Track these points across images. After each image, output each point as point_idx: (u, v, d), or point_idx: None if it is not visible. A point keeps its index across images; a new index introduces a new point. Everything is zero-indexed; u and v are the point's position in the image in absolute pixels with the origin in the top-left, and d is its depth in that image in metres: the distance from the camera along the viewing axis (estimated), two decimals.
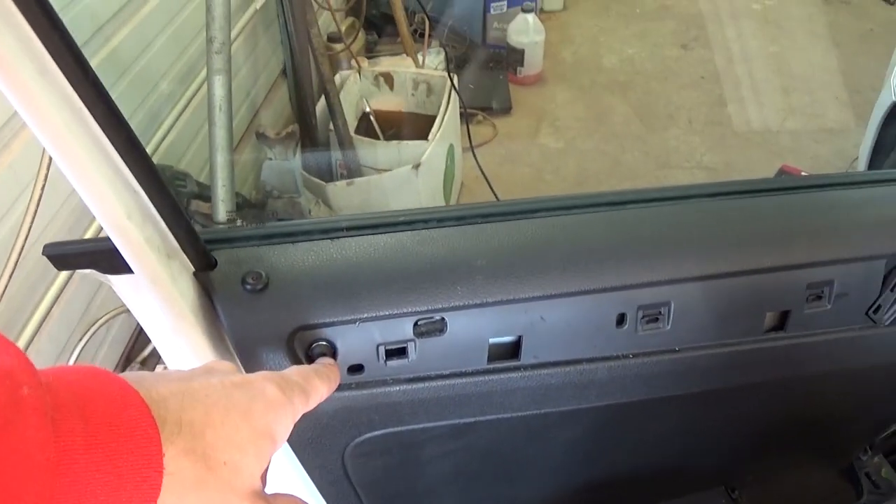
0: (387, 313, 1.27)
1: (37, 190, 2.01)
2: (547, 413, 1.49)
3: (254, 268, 1.25)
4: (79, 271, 1.30)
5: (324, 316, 1.25)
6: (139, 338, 3.10)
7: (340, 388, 1.32)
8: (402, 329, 1.30)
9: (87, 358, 2.72)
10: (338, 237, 1.33)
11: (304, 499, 1.06)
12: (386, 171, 4.08)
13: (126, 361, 2.99)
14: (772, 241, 1.43)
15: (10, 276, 1.98)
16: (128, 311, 2.54)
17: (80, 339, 2.63)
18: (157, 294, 1.19)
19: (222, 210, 3.03)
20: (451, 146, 4.45)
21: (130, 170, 1.05)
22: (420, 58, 4.97)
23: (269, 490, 0.93)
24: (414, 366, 1.33)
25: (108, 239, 1.12)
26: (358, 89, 4.78)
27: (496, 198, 4.44)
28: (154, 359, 2.99)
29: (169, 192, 1.13)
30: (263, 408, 0.90)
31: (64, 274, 2.42)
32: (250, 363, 1.26)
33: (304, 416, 1.25)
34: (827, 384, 1.73)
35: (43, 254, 1.27)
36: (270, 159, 3.89)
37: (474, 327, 1.33)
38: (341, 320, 1.26)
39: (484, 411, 1.45)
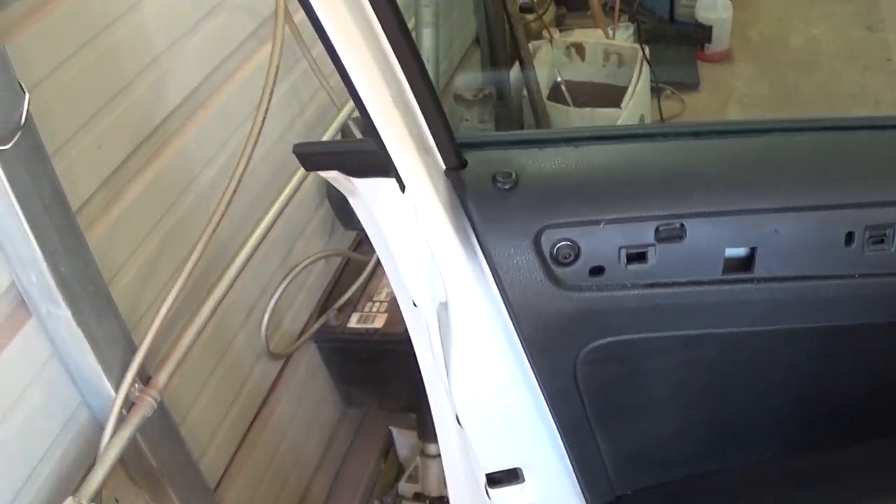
0: (630, 216, 1.30)
1: (245, 156, 2.10)
2: (774, 330, 1.50)
3: (503, 168, 1.29)
4: (323, 174, 1.35)
5: (570, 215, 1.29)
6: (336, 285, 3.17)
7: (581, 289, 1.36)
8: (644, 233, 1.32)
9: (286, 301, 2.80)
10: (581, 145, 1.36)
11: (531, 407, 1.08)
12: None
13: (323, 307, 3.06)
14: None
15: (222, 216, 2.06)
16: (325, 258, 2.61)
17: (281, 282, 2.72)
18: (411, 187, 1.24)
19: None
20: (642, 116, 4.44)
21: (397, 57, 1.11)
22: (610, 31, 4.96)
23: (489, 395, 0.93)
24: (653, 270, 1.36)
25: (356, 141, 1.18)
26: (550, 59, 4.80)
27: None
28: (350, 307, 3.05)
29: (432, 87, 1.18)
30: None
31: (269, 217, 2.49)
32: (499, 258, 1.30)
33: (541, 317, 1.29)
34: None
35: (293, 152, 1.34)
36: (467, 120, 3.93)
37: (712, 236, 1.35)
38: (587, 220, 1.29)
39: (715, 323, 1.46)
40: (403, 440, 3.33)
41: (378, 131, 1.17)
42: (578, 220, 1.30)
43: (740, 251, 1.39)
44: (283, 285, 2.74)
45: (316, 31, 1.08)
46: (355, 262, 3.20)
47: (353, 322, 3.02)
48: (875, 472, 1.77)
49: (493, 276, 1.33)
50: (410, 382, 2.78)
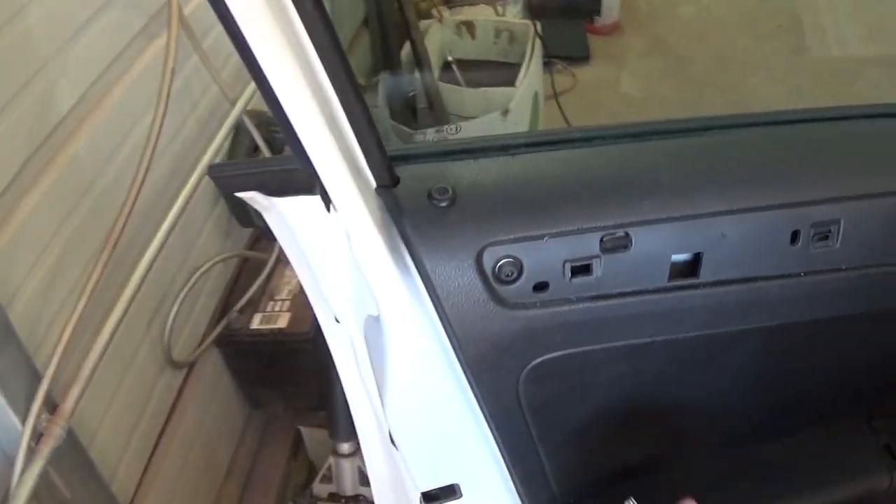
0: (573, 228, 1.26)
1: (145, 159, 2.03)
2: (720, 334, 1.48)
3: (438, 183, 1.23)
4: (240, 195, 1.28)
5: (512, 231, 1.24)
6: (236, 286, 3.09)
7: (525, 306, 1.31)
8: (589, 245, 1.29)
9: (186, 307, 2.71)
10: (518, 153, 1.32)
11: (470, 425, 1.04)
12: (472, 118, 4.04)
13: (224, 309, 2.98)
14: None
15: (124, 226, 1.99)
16: (224, 260, 2.54)
17: (182, 289, 2.63)
18: (340, 207, 1.17)
19: None
20: (536, 93, 4.41)
21: (324, 65, 1.04)
22: (500, 8, 4.93)
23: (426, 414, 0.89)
24: (598, 282, 1.32)
25: (276, 159, 1.11)
26: (440, 38, 4.74)
27: None
28: (252, 307, 2.97)
29: (362, 98, 1.11)
30: None
31: (168, 221, 2.39)
32: (439, 280, 1.24)
33: (484, 338, 1.24)
34: None
35: (208, 174, 1.26)
36: None
37: (657, 243, 1.32)
38: (529, 235, 1.25)
39: (661, 330, 1.43)
40: (313, 439, 3.26)
41: (304, 148, 1.10)
42: (521, 235, 1.25)
43: (686, 256, 1.35)
44: (183, 292, 2.66)
45: (231, 38, 0.99)
46: (254, 261, 3.12)
47: (256, 323, 2.93)
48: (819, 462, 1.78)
49: (433, 298, 1.27)
50: (318, 381, 2.72)
